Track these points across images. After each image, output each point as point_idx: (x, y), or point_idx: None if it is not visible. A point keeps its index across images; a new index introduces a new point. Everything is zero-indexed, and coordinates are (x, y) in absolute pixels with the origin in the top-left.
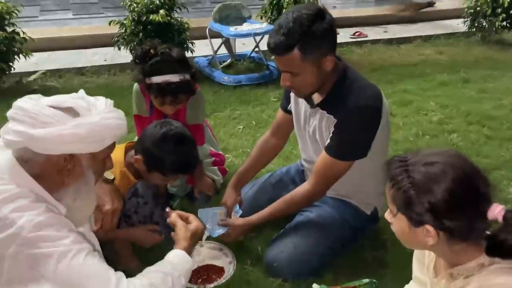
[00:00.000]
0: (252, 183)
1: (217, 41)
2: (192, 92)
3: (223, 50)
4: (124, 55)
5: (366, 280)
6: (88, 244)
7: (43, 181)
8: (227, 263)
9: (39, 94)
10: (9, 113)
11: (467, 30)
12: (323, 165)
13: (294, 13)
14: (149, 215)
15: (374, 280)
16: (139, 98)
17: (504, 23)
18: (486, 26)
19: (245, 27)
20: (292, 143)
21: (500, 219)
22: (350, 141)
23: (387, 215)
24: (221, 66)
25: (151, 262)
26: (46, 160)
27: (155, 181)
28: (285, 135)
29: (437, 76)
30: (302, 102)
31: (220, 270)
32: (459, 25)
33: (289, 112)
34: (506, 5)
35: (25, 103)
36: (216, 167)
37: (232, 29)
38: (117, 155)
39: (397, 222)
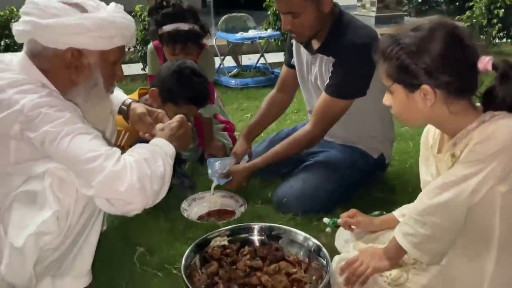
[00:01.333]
0: (260, 141)
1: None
2: (200, 45)
3: (230, 63)
4: (135, 69)
5: (376, 212)
6: (82, 124)
7: (52, 77)
8: (237, 206)
9: None
10: (22, 9)
11: None
12: (322, 104)
13: None
14: None
15: (384, 212)
16: (154, 57)
17: (501, 33)
18: (483, 38)
19: (250, 33)
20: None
21: (489, 67)
22: (348, 79)
23: (385, 99)
24: (229, 75)
25: (162, 208)
26: (54, 54)
27: (168, 116)
28: (290, 90)
29: None
30: (303, 52)
31: (231, 213)
32: None
33: (293, 67)
34: (501, 15)
35: None
36: (226, 133)
37: (238, 35)
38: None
39: (395, 96)
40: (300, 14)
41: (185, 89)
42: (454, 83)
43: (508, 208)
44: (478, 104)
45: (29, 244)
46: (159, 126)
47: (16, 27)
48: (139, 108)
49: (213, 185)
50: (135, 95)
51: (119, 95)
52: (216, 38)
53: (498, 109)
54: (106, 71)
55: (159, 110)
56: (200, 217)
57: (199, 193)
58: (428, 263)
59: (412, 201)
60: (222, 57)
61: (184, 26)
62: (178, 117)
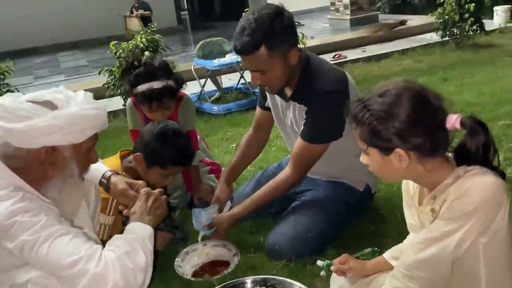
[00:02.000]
0: (246, 182)
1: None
2: (177, 98)
3: (211, 87)
4: (115, 104)
5: (368, 250)
6: (59, 226)
7: (26, 174)
8: (231, 256)
9: (20, 92)
10: None
11: (440, 39)
12: (299, 150)
13: (254, 14)
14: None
15: (376, 249)
16: (133, 112)
17: (474, 27)
18: (458, 32)
19: (228, 58)
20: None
21: (458, 126)
22: (321, 125)
23: (362, 158)
24: (210, 100)
25: (155, 268)
26: (27, 153)
27: (154, 179)
28: (266, 130)
29: (418, 79)
30: (277, 97)
31: (226, 264)
32: (432, 37)
33: (267, 109)
34: (472, 9)
35: (3, 100)
36: (213, 175)
37: (216, 61)
38: (114, 162)
39: (371, 158)
40: (268, 71)
41: (170, 152)
42: (425, 144)
43: (491, 257)
44: (450, 155)
45: None
46: (131, 211)
47: None
48: (120, 183)
49: (199, 237)
50: (116, 158)
51: (98, 168)
52: (194, 65)
53: (471, 162)
54: (81, 160)
55: (139, 182)
56: (195, 274)
57: (191, 245)
58: None
59: (402, 231)
60: (203, 83)
61: (158, 84)
62: (142, 192)
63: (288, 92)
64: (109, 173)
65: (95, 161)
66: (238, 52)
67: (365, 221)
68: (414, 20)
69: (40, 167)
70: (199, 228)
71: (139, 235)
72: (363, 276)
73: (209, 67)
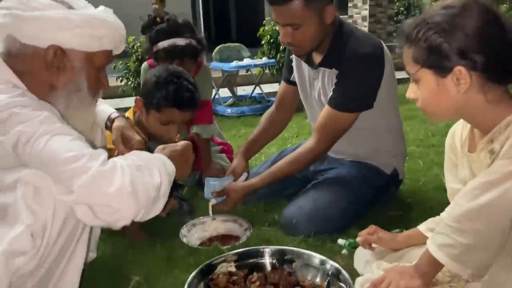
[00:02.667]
0: (262, 162)
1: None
2: (198, 61)
3: (225, 93)
4: (128, 102)
5: (397, 230)
6: (61, 124)
7: (28, 79)
8: (242, 231)
9: None
10: (1, 4)
11: None
12: (326, 119)
13: None
14: None
15: (404, 230)
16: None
17: None
18: None
19: (245, 61)
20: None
21: None
22: (353, 90)
23: (409, 92)
24: (225, 104)
25: (158, 235)
26: (33, 53)
27: (155, 127)
28: (290, 107)
29: None
30: (305, 67)
31: (236, 238)
32: None
33: (292, 83)
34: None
35: None
36: (224, 155)
37: (233, 63)
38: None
39: (422, 85)
40: (301, 25)
41: (164, 89)
42: (491, 65)
43: None
44: None
45: None
46: (160, 146)
47: None
48: (115, 132)
49: (210, 205)
50: (130, 113)
51: (105, 110)
52: (211, 69)
53: None
54: (91, 76)
55: (136, 139)
56: (202, 243)
57: (199, 218)
58: (471, 278)
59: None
60: (217, 89)
61: (181, 41)
62: (183, 142)
63: (318, 58)
64: (114, 115)
65: (106, 87)
66: (271, 2)
67: (390, 208)
68: None
69: (45, 73)
70: (208, 197)
71: (159, 158)
72: (393, 250)
73: (226, 69)
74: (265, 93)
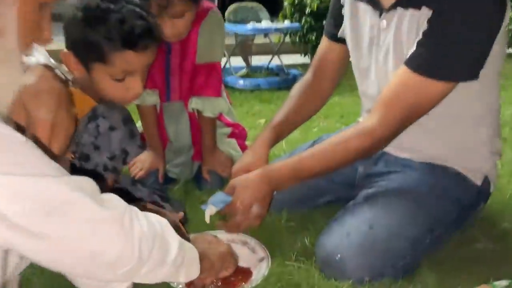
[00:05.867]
0: (281, 157)
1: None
2: (200, 8)
3: (237, 62)
4: None
5: (504, 283)
6: None
7: None
8: (255, 261)
9: None
10: None
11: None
12: (400, 87)
13: None
14: (120, 151)
15: None
16: None
17: None
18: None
19: (264, 24)
20: None
21: None
22: (456, 46)
23: None
24: (237, 74)
25: None
26: None
27: (108, 89)
28: (331, 76)
29: None
30: (365, 13)
31: (245, 273)
32: None
33: (340, 41)
34: None
35: None
36: (234, 140)
37: (250, 26)
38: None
39: None
40: None
41: (102, 26)
42: None
43: None
44: None
45: None
46: (201, 237)
47: None
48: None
49: (207, 217)
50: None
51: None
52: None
53: None
54: (26, 13)
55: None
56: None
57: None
58: None
59: None
60: (228, 56)
61: None
62: (228, 246)
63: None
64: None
65: (47, 39)
66: None
67: (477, 235)
68: None
69: None
70: (208, 206)
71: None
72: None
73: (241, 32)
74: (285, 65)
